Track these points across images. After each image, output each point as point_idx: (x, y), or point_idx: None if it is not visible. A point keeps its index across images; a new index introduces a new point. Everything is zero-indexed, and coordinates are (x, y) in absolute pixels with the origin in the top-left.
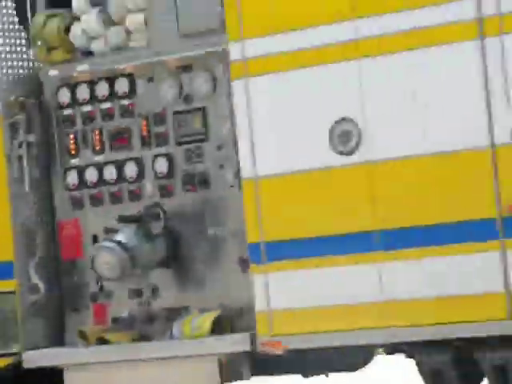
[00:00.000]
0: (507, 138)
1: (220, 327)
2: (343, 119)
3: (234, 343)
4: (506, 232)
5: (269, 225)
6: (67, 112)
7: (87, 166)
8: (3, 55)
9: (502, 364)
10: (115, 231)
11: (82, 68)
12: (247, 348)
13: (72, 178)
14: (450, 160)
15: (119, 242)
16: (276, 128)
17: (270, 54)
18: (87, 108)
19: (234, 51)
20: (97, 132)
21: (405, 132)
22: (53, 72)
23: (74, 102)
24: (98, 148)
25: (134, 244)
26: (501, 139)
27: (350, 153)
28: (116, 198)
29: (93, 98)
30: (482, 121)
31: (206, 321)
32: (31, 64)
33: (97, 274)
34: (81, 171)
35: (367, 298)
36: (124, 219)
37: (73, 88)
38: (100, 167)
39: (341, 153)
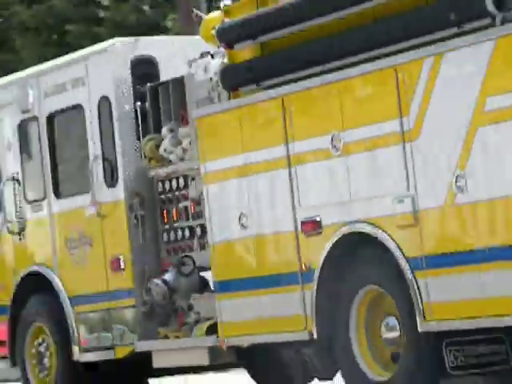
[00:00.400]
0: (299, 227)
1: (214, 331)
2: None
3: (207, 340)
4: (303, 280)
5: (219, 270)
6: (161, 197)
7: (169, 229)
8: (127, 163)
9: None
10: (167, 271)
11: (165, 171)
12: (214, 344)
13: (164, 236)
14: (271, 238)
15: (163, 279)
16: (221, 212)
17: (212, 171)
18: (168, 195)
19: (202, 169)
20: (174, 209)
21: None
22: (152, 172)
23: (163, 191)
24: (174, 218)
25: (173, 280)
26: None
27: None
28: (182, 250)
29: (170, 189)
30: (289, 215)
31: (204, 327)
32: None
33: (151, 298)
34: (167, 232)
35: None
36: (173, 264)
37: (163, 183)
38: (176, 231)
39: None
